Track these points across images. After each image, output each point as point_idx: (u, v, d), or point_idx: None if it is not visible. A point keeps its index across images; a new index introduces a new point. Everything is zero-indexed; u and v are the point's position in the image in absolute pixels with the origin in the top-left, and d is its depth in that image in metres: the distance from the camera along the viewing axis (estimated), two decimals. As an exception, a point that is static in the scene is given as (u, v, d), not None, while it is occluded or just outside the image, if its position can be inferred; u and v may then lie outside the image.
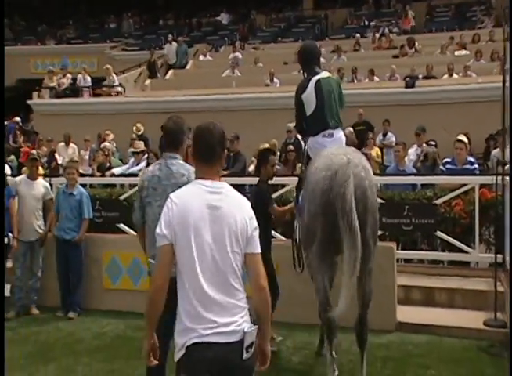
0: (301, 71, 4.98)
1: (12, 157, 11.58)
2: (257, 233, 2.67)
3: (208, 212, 2.57)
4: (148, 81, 16.83)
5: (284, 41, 20.83)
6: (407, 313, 6.04)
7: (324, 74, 4.76)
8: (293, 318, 5.74)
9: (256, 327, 2.59)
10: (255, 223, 2.68)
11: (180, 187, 2.80)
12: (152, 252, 3.76)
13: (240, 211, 2.63)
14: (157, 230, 2.57)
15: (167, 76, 17.67)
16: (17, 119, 16.39)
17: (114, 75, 16.14)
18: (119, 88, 15.92)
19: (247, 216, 2.64)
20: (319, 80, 4.66)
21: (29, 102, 15.86)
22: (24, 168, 9.90)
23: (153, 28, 25.84)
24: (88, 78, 16.26)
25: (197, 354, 2.47)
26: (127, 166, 10.13)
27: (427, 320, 5.92)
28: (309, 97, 4.62)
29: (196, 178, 2.73)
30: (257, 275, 2.62)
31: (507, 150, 6.92)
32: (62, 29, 27.16)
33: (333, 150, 4.34)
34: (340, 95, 4.82)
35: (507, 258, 5.96)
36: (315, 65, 4.86)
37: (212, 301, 2.50)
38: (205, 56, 18.96)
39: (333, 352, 4.27)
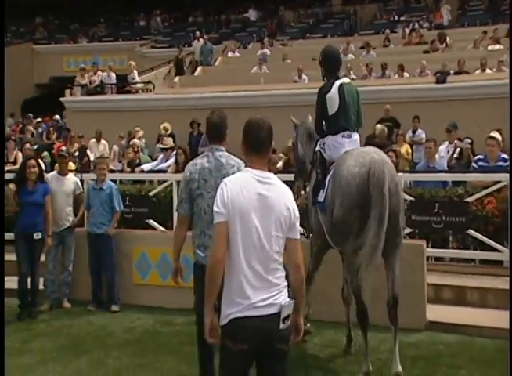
0: (322, 74, 5.14)
1: (46, 153, 11.80)
2: (298, 222, 2.96)
3: (257, 199, 2.85)
4: (177, 78, 16.94)
5: (313, 37, 20.73)
6: (437, 312, 5.96)
7: (346, 80, 5.01)
8: (320, 315, 5.72)
9: (293, 301, 2.89)
10: (297, 212, 2.97)
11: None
12: (199, 242, 4.00)
13: (285, 200, 2.92)
14: (215, 208, 2.85)
15: (196, 73, 17.75)
16: (57, 117, 16.72)
17: (135, 72, 16.32)
18: (139, 85, 16.10)
19: (291, 205, 2.93)
20: (341, 84, 4.88)
21: (61, 99, 16.12)
22: (56, 164, 10.09)
23: (182, 25, 26.02)
24: (113, 75, 16.46)
25: (238, 325, 2.79)
26: (156, 162, 10.23)
27: (458, 320, 5.84)
28: (333, 97, 4.82)
29: (246, 167, 3.03)
30: (296, 257, 2.94)
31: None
32: (93, 27, 27.58)
33: (360, 149, 4.65)
34: (358, 103, 5.02)
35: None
36: (338, 70, 5.06)
37: (254, 279, 2.81)
38: (233, 52, 19.00)
39: (367, 348, 4.54)
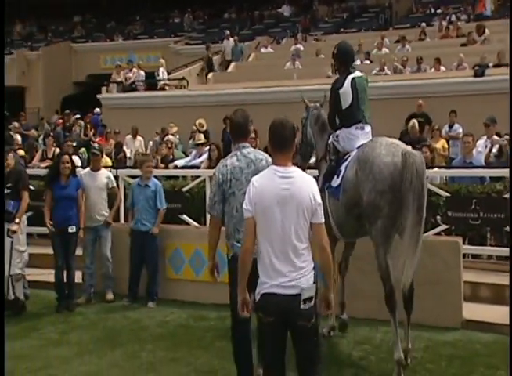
0: (335, 68, 5.34)
1: (83, 149, 12.01)
2: (321, 207, 3.31)
3: (279, 194, 3.25)
4: (210, 75, 17.01)
5: (347, 31, 20.50)
6: (474, 311, 5.85)
7: (358, 74, 5.17)
8: (354, 312, 5.67)
9: (315, 285, 3.30)
10: (319, 199, 3.32)
11: (260, 171, 3.59)
12: (236, 238, 4.12)
13: (306, 190, 3.28)
14: (244, 206, 3.32)
15: (229, 69, 17.79)
16: (97, 110, 16.98)
17: (161, 69, 16.50)
18: (173, 82, 16.20)
19: (312, 194, 3.29)
20: (353, 78, 5.06)
21: (98, 96, 16.40)
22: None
23: (215, 22, 26.11)
24: (142, 73, 16.70)
25: (267, 300, 3.27)
26: (189, 158, 10.30)
27: (496, 319, 5.70)
28: (346, 92, 5.01)
29: (272, 164, 3.41)
30: (321, 239, 3.32)
31: None
32: (129, 25, 27.93)
33: (384, 139, 4.91)
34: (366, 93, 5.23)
35: None
36: (350, 65, 5.23)
37: (279, 264, 3.24)
38: (266, 48, 18.96)
39: (397, 333, 4.63)
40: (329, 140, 5.30)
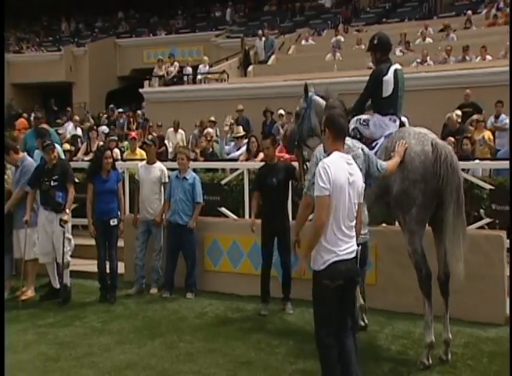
0: (376, 58, 5.25)
1: (126, 143, 12.25)
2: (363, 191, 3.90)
3: (348, 177, 3.77)
4: (250, 68, 17.03)
5: (389, 21, 20.14)
6: (519, 307, 5.66)
7: (398, 66, 5.22)
8: (392, 306, 5.60)
9: (359, 247, 3.94)
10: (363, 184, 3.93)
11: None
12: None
13: (360, 175, 3.90)
14: (322, 184, 3.70)
15: (270, 62, 17.75)
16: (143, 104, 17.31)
17: (200, 66, 16.77)
18: (198, 77, 16.34)
19: (362, 178, 3.94)
20: (396, 70, 5.13)
21: (140, 90, 16.65)
22: (126, 153, 10.46)
23: (256, 15, 26.08)
24: (189, 69, 16.88)
25: (337, 266, 3.75)
26: (226, 148, 10.32)
27: (541, 315, 5.52)
28: (389, 81, 5.06)
29: (332, 151, 3.85)
30: (361, 215, 4.00)
31: None
32: (171, 20, 28.22)
33: (412, 129, 5.02)
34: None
35: None
36: (388, 56, 5.29)
37: (343, 235, 3.77)
38: (307, 40, 18.81)
39: (431, 317, 4.72)
40: (353, 125, 5.24)
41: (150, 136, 11.37)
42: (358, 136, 5.13)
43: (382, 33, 5.49)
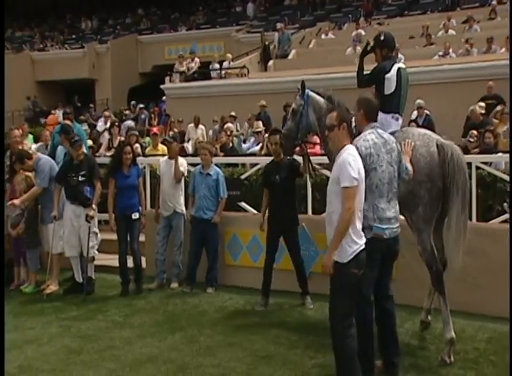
0: (382, 55, 5.23)
1: (148, 138, 12.35)
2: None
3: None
4: (270, 62, 16.98)
5: (411, 14, 19.88)
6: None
7: (402, 65, 5.26)
8: (412, 300, 5.56)
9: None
10: None
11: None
12: (373, 215, 4.22)
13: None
14: (353, 174, 3.82)
15: (290, 56, 17.68)
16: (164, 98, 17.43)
17: (225, 63, 16.76)
18: (219, 71, 16.39)
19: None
20: (399, 68, 5.12)
21: (161, 86, 16.74)
22: (148, 149, 10.54)
23: (276, 9, 25.99)
24: (217, 66, 16.99)
25: (361, 256, 3.92)
26: (247, 145, 10.32)
27: None
28: (392, 79, 5.06)
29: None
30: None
31: None
32: (192, 15, 28.28)
33: (415, 130, 5.17)
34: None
35: None
36: (393, 53, 5.41)
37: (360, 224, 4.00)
38: (327, 34, 18.67)
39: (448, 312, 4.74)
40: (355, 123, 5.21)
41: (171, 132, 11.45)
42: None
43: (386, 31, 5.56)
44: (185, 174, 7.32)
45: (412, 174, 4.59)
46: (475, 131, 8.95)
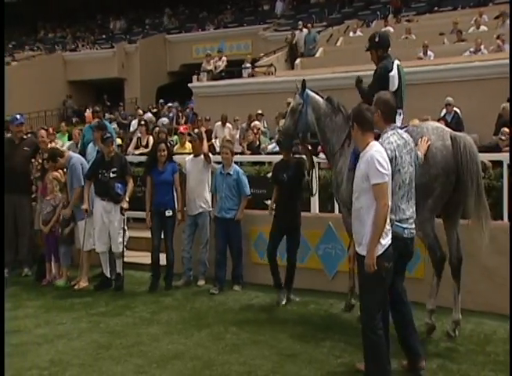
0: (378, 55, 5.46)
1: (175, 137, 12.44)
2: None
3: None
4: (298, 60, 16.93)
5: (441, 10, 19.57)
6: None
7: (398, 62, 5.43)
8: (442, 301, 5.46)
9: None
10: None
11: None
12: (396, 216, 4.27)
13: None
14: (383, 170, 3.92)
15: (317, 54, 17.61)
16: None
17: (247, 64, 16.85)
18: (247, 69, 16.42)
19: None
20: (398, 65, 5.33)
21: (189, 85, 16.84)
22: (176, 147, 10.61)
23: (304, 7, 25.89)
24: (248, 64, 17.09)
25: (390, 249, 4.03)
26: (271, 146, 10.30)
27: None
28: (395, 76, 5.28)
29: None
30: None
31: None
32: (220, 14, 28.37)
33: (428, 124, 5.18)
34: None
35: None
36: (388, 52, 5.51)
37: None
38: (355, 32, 18.53)
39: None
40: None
41: (196, 130, 11.50)
42: None
43: (381, 31, 5.76)
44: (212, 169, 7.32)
45: (429, 168, 4.75)
46: (507, 129, 8.78)
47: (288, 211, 6.32)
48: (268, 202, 6.79)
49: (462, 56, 13.46)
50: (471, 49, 13.69)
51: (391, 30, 17.08)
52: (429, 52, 14.19)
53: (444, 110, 10.93)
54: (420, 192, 4.67)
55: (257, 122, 11.65)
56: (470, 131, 10.16)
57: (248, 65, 17.07)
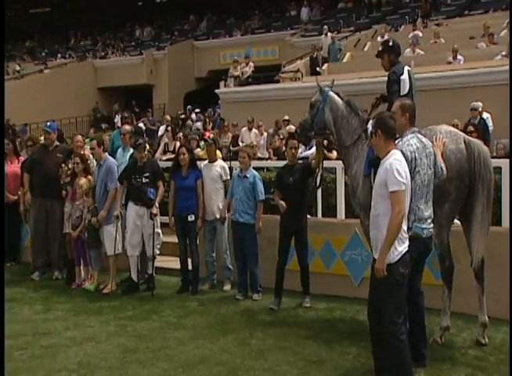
0: (390, 60, 5.53)
1: (202, 143, 12.51)
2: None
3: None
4: (325, 66, 16.89)
5: (472, 14, 19.30)
6: None
7: (409, 67, 5.53)
8: (470, 309, 5.39)
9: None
10: None
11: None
12: (415, 217, 4.39)
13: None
14: (400, 179, 3.97)
15: (345, 59, 17.55)
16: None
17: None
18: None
19: None
20: (408, 70, 5.44)
21: (216, 91, 16.96)
22: (201, 153, 10.67)
23: (331, 12, 25.86)
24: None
25: (407, 256, 4.06)
26: (299, 150, 10.25)
27: None
28: (406, 80, 5.37)
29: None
30: None
31: None
32: (247, 20, 28.55)
33: (444, 127, 5.09)
34: None
35: None
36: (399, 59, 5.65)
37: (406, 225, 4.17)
38: (383, 36, 18.37)
39: (449, 304, 5.07)
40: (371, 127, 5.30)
41: (212, 135, 11.56)
42: None
43: (392, 37, 5.81)
44: (228, 177, 7.33)
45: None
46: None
47: (295, 214, 6.35)
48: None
49: (493, 60, 13.25)
50: (503, 53, 13.45)
51: (420, 34, 16.96)
52: (459, 56, 14.00)
53: (470, 115, 10.76)
54: (437, 196, 4.71)
55: (291, 126, 11.56)
56: (501, 136, 10.00)
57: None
